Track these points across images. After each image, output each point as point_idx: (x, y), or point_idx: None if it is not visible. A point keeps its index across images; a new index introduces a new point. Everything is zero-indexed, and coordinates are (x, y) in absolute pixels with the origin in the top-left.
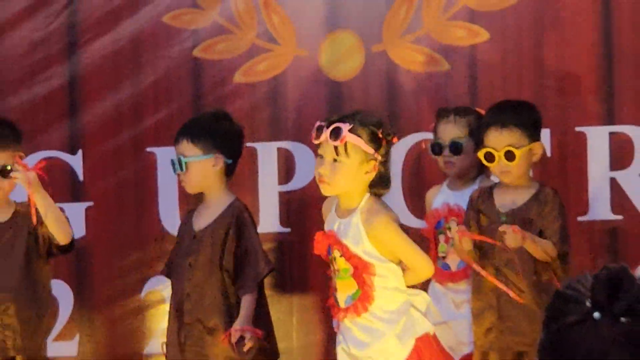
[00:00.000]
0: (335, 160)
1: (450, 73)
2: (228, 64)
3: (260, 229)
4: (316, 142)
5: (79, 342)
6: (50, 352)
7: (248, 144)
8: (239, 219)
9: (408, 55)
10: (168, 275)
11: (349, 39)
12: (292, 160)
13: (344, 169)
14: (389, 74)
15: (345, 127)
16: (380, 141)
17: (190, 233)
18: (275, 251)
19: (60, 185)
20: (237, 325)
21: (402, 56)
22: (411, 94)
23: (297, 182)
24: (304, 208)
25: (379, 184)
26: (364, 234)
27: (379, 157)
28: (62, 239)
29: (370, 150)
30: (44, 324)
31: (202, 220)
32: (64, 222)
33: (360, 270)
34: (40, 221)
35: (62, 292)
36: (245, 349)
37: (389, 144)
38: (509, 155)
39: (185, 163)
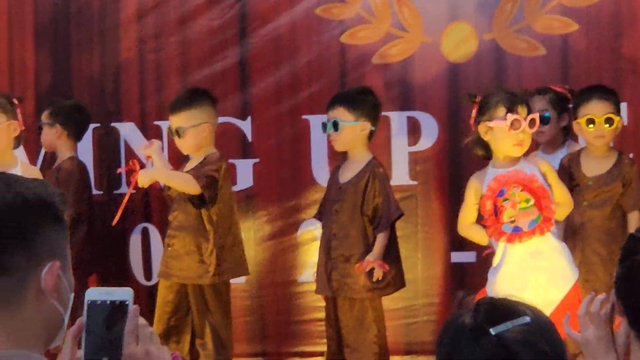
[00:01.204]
0: None
1: (546, 57)
2: (367, 48)
3: (393, 182)
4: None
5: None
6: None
7: (383, 113)
8: (376, 173)
9: (513, 43)
10: (319, 219)
11: (465, 28)
12: (418, 126)
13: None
14: (497, 58)
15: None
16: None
17: (337, 184)
18: (406, 199)
19: (233, 145)
20: (370, 257)
21: (508, 43)
22: (515, 74)
23: (423, 144)
24: (428, 164)
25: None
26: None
27: None
28: (192, 192)
29: None
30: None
31: (346, 174)
32: (186, 181)
33: (541, 198)
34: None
35: None
36: (374, 278)
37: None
38: (609, 121)
39: (341, 126)
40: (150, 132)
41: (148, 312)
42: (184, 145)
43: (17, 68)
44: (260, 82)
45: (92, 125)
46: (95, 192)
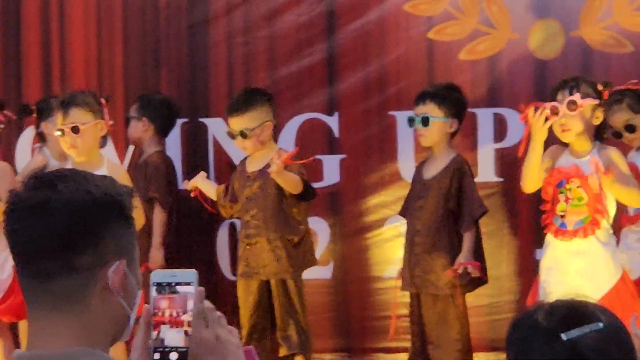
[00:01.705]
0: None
1: (633, 54)
2: (454, 44)
3: (479, 179)
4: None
5: (333, 267)
6: (310, 275)
7: (470, 110)
8: (461, 170)
9: (600, 39)
10: (403, 215)
11: (552, 25)
12: (504, 123)
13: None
14: (584, 55)
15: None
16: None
17: (421, 181)
18: (491, 196)
19: (320, 140)
20: (462, 259)
21: (595, 40)
22: (602, 72)
23: (509, 141)
24: (514, 161)
25: (604, 129)
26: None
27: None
28: (293, 191)
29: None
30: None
31: (431, 170)
32: (293, 183)
33: (594, 200)
34: None
35: (320, 226)
36: (473, 276)
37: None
38: None
39: (431, 121)
40: None
41: (234, 306)
42: (249, 145)
43: (106, 63)
44: (348, 77)
45: (180, 120)
46: (182, 187)
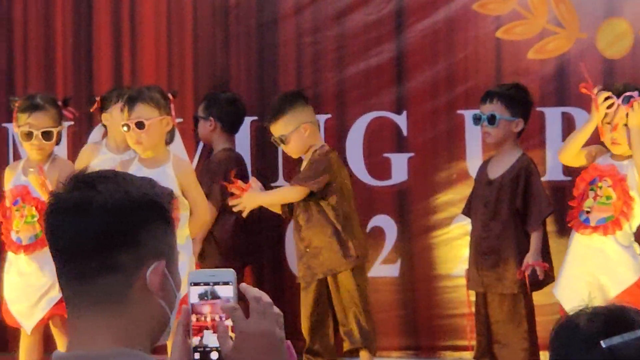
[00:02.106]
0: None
1: None
2: (523, 44)
3: (547, 178)
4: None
5: (400, 265)
6: (377, 273)
7: (538, 109)
8: (527, 169)
9: None
10: (467, 214)
11: (621, 24)
12: (573, 123)
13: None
14: None
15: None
16: None
17: (486, 180)
18: (559, 195)
19: (389, 139)
20: (530, 259)
21: None
22: None
23: None
24: None
25: None
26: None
27: None
28: (296, 199)
29: None
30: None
31: (496, 169)
32: (278, 198)
33: (622, 202)
34: None
35: (388, 224)
36: (540, 278)
37: None
38: None
39: (498, 120)
40: None
41: (299, 304)
42: (291, 150)
43: (176, 62)
44: (416, 76)
45: (250, 119)
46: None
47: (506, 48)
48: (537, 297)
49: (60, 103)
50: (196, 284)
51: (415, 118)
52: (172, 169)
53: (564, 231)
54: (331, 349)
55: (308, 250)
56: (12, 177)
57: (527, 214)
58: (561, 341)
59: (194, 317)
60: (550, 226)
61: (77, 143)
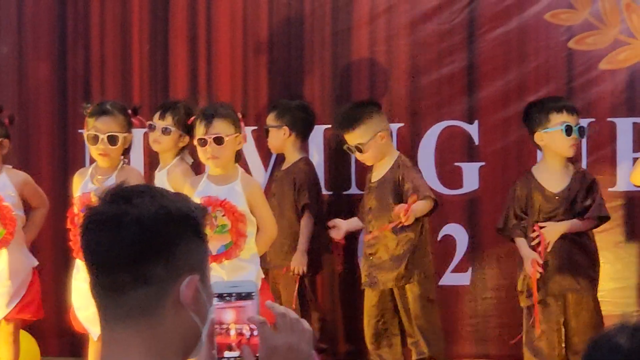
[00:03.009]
0: None
1: None
2: (595, 54)
3: (617, 188)
4: None
5: (471, 274)
6: (448, 282)
7: (608, 119)
8: (589, 181)
9: None
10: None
11: None
12: None
13: None
14: None
15: None
16: None
17: (544, 193)
18: (630, 206)
19: (460, 148)
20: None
21: None
22: None
23: None
24: None
25: None
26: None
27: None
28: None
29: None
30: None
31: (555, 183)
32: (424, 211)
33: None
34: None
35: (459, 233)
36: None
37: None
38: None
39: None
40: None
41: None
42: (368, 158)
43: (251, 71)
44: (488, 85)
45: (323, 127)
46: (325, 192)
47: (578, 58)
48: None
49: (130, 111)
50: (219, 295)
51: (486, 127)
52: (241, 186)
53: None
54: (398, 358)
55: (370, 257)
56: (81, 184)
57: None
58: (602, 358)
59: (217, 328)
60: (620, 236)
61: (154, 153)
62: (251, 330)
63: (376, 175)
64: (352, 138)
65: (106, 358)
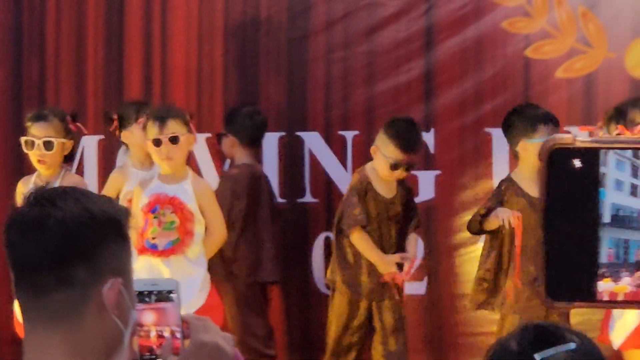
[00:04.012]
0: None
1: None
2: (551, 63)
3: None
4: None
5: (427, 283)
6: (405, 291)
7: (567, 127)
8: None
9: None
10: None
11: None
12: None
13: None
14: None
15: None
16: None
17: (526, 198)
18: None
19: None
20: None
21: None
22: None
23: None
24: None
25: None
26: None
27: None
28: None
29: None
30: None
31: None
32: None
33: None
34: None
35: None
36: None
37: None
38: None
39: None
40: (334, 142)
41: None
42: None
43: (206, 76)
44: (444, 94)
45: (277, 134)
46: (279, 200)
47: (534, 66)
48: None
49: (68, 117)
50: (140, 292)
51: (442, 135)
52: (191, 186)
53: None
54: None
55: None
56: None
57: None
58: None
59: (138, 330)
60: None
61: (108, 159)
62: (172, 332)
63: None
64: (413, 159)
65: (28, 357)
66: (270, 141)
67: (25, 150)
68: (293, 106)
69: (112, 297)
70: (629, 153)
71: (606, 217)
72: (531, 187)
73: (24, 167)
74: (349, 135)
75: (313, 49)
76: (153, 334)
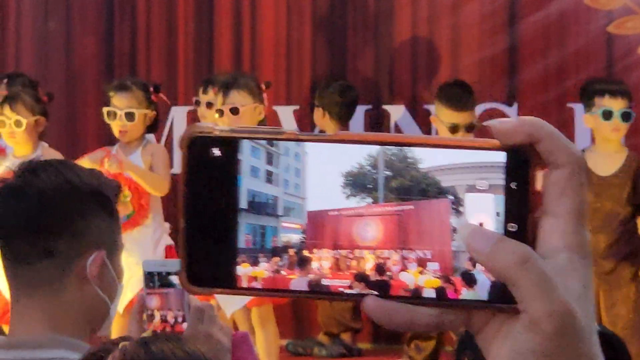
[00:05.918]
0: None
1: None
2: (634, 39)
3: None
4: None
5: None
6: None
7: None
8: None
9: None
10: None
11: None
12: None
13: None
14: None
15: None
16: None
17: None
18: None
19: None
20: None
21: None
22: None
23: None
24: None
25: None
26: None
27: None
28: None
29: None
30: None
31: (602, 167)
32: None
33: None
34: None
35: None
36: None
37: None
38: None
39: (633, 117)
40: (420, 116)
41: None
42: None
43: (294, 52)
44: (528, 68)
45: (363, 107)
46: None
47: (617, 43)
48: None
49: (151, 88)
50: (150, 273)
51: (526, 110)
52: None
53: None
54: None
55: None
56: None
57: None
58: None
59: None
60: None
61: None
62: (175, 317)
63: None
64: (465, 117)
65: (12, 329)
66: (357, 114)
67: (107, 121)
68: (380, 80)
69: (94, 269)
70: (263, 142)
71: (243, 204)
72: (595, 163)
73: (113, 135)
74: (434, 109)
75: (399, 23)
76: (157, 318)
